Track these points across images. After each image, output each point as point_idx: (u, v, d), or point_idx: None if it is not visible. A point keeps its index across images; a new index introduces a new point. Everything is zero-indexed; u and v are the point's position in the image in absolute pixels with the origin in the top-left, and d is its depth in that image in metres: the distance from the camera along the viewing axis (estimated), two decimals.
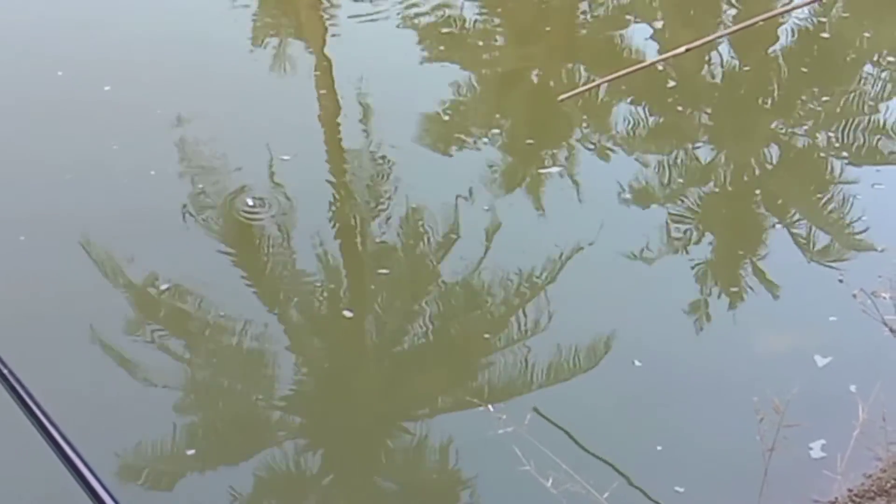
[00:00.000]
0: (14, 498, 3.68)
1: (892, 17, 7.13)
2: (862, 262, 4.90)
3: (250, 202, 5.15)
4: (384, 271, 4.86)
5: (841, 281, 4.62)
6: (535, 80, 6.44)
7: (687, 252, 5.00)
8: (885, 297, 3.41)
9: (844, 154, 5.73)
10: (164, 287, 4.66)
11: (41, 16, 6.87)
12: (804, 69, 6.58)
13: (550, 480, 3.24)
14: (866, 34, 6.85)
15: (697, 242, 5.07)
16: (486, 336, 4.49)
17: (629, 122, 5.96)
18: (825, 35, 6.97)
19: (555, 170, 5.54)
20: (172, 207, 5.11)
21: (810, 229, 5.20)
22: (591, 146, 5.80)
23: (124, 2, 7.23)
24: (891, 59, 6.64)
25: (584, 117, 6.07)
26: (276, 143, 5.58)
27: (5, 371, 1.40)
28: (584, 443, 3.83)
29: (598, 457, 3.70)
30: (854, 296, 3.55)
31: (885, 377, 3.81)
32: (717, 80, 6.50)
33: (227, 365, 4.39)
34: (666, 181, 5.51)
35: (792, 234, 5.18)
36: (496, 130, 5.88)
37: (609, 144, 5.79)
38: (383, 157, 5.59)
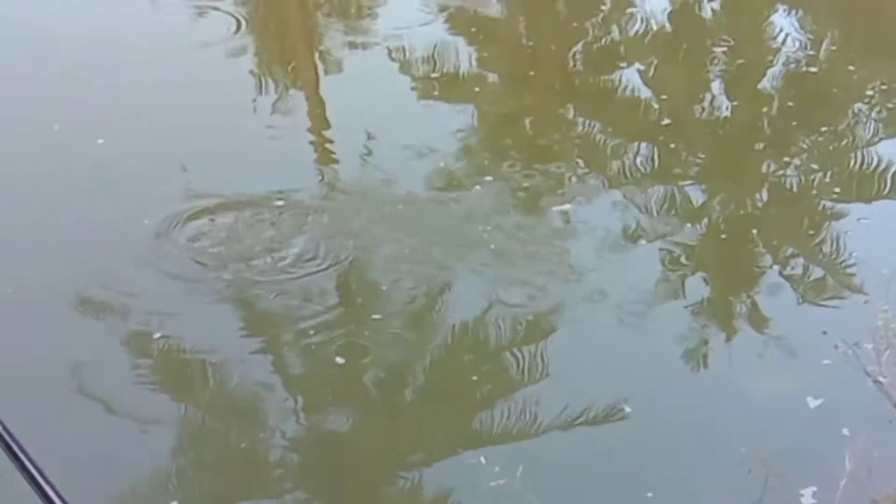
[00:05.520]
0: None
1: (879, 51, 7.19)
2: (855, 303, 4.90)
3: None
4: (377, 316, 4.88)
5: (825, 333, 4.59)
6: (527, 124, 6.47)
7: (679, 295, 5.01)
8: (868, 348, 3.40)
9: (836, 190, 5.76)
10: (157, 336, 4.69)
11: (39, 67, 6.92)
12: (790, 103, 6.61)
13: None
14: (850, 67, 6.90)
15: (689, 285, 5.08)
16: (475, 378, 4.50)
17: (625, 162, 6.00)
18: (813, 69, 7.02)
19: (562, 208, 5.55)
20: (166, 256, 5.16)
21: (805, 270, 5.21)
22: (589, 187, 5.82)
23: (116, 50, 7.23)
24: (870, 92, 6.66)
25: (580, 159, 6.09)
26: (273, 187, 5.62)
27: None
28: (574, 487, 3.81)
29: None
30: (836, 347, 3.54)
31: (876, 422, 3.79)
32: (710, 117, 6.54)
33: (219, 409, 4.40)
34: (658, 221, 5.52)
35: (785, 276, 5.18)
36: (489, 178, 5.89)
37: (604, 184, 5.82)
38: (378, 198, 5.61)
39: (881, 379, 3.17)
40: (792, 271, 5.22)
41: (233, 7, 7.72)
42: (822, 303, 4.98)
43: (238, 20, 7.50)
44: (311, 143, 6.34)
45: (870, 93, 6.62)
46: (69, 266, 5.10)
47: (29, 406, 4.17)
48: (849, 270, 5.12)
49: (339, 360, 4.64)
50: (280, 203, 5.55)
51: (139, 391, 4.44)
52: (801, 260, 5.30)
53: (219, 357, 4.59)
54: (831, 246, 5.34)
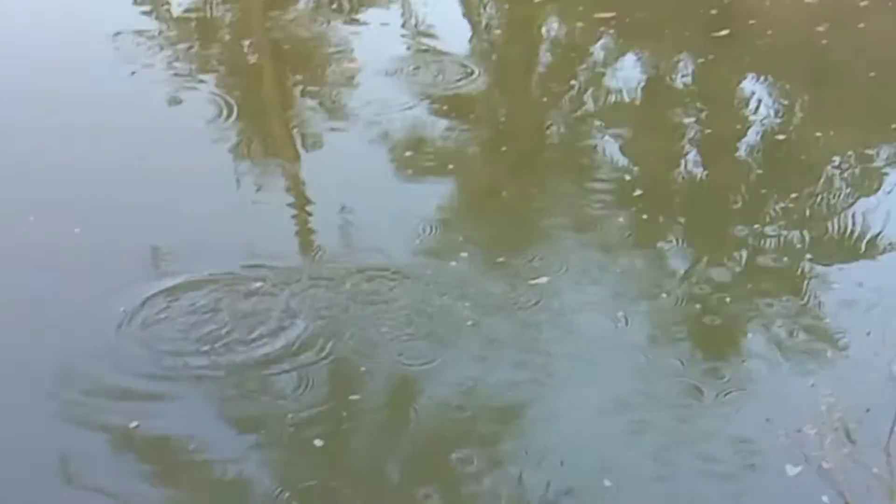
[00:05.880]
0: None
1: (847, 118, 7.32)
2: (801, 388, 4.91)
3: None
4: (355, 397, 4.88)
5: (768, 420, 4.56)
6: (501, 199, 6.54)
7: (655, 367, 5.03)
8: (810, 433, 3.40)
9: (808, 256, 5.83)
10: (133, 425, 4.68)
11: (16, 156, 6.96)
12: (760, 171, 6.71)
13: None
14: (818, 133, 7.02)
15: (665, 356, 5.10)
16: (455, 456, 4.49)
17: (599, 233, 6.06)
18: (782, 137, 7.14)
19: (538, 281, 5.58)
20: (140, 343, 5.16)
21: (779, 339, 5.25)
22: (564, 260, 5.86)
23: (93, 130, 7.24)
24: (838, 158, 6.77)
25: (554, 232, 6.16)
26: (250, 266, 5.66)
27: None
28: None
29: None
30: (777, 437, 3.54)
31: (854, 488, 3.80)
32: (681, 187, 6.63)
33: (194, 494, 4.37)
34: (633, 293, 5.56)
35: (761, 346, 5.21)
36: (464, 253, 5.92)
37: (580, 256, 5.88)
38: (355, 275, 5.64)
39: (824, 465, 3.17)
40: (768, 340, 5.25)
41: (214, 89, 7.82)
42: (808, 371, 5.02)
43: (219, 102, 7.59)
44: (291, 220, 6.38)
45: (837, 159, 6.75)
46: (43, 354, 5.09)
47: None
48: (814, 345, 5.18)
49: (318, 442, 4.63)
50: (258, 284, 5.58)
51: (114, 481, 4.41)
52: (776, 330, 5.33)
53: (194, 442, 4.58)
54: (811, 313, 5.41)
